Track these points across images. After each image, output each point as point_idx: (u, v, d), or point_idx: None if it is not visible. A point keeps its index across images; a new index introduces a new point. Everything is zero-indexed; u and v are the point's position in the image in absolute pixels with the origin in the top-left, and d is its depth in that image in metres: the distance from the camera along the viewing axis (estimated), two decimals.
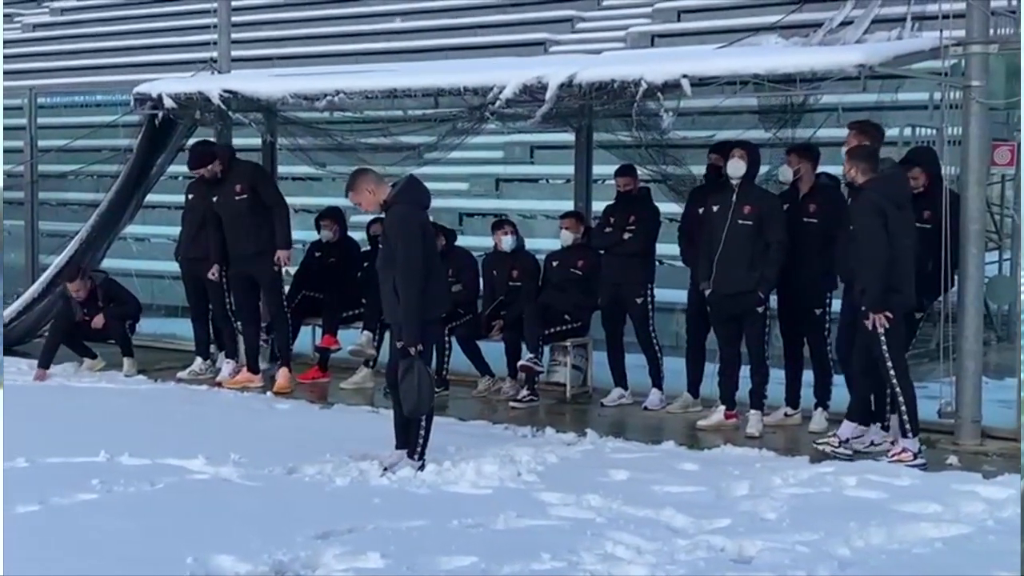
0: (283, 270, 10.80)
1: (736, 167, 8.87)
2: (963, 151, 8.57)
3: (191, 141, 11.89)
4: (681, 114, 9.10)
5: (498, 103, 9.32)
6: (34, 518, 6.51)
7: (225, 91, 10.73)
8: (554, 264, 10.51)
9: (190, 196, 11.08)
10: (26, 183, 13.75)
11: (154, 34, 24.72)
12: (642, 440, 8.73)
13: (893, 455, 8.06)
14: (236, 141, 12.05)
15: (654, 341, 10.02)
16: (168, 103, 11.02)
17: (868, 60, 8.10)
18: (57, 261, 12.43)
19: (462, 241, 11.22)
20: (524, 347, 10.08)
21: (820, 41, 9.21)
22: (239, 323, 10.94)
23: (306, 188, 16.44)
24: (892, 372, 7.99)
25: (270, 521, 6.48)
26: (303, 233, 13.38)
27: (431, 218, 8.14)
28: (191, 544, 5.93)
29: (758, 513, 6.77)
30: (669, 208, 10.85)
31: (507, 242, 10.55)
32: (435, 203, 8.39)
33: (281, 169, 12.90)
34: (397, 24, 22.40)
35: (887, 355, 7.98)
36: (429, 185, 7.99)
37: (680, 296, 10.48)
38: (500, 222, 10.94)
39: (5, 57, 23.66)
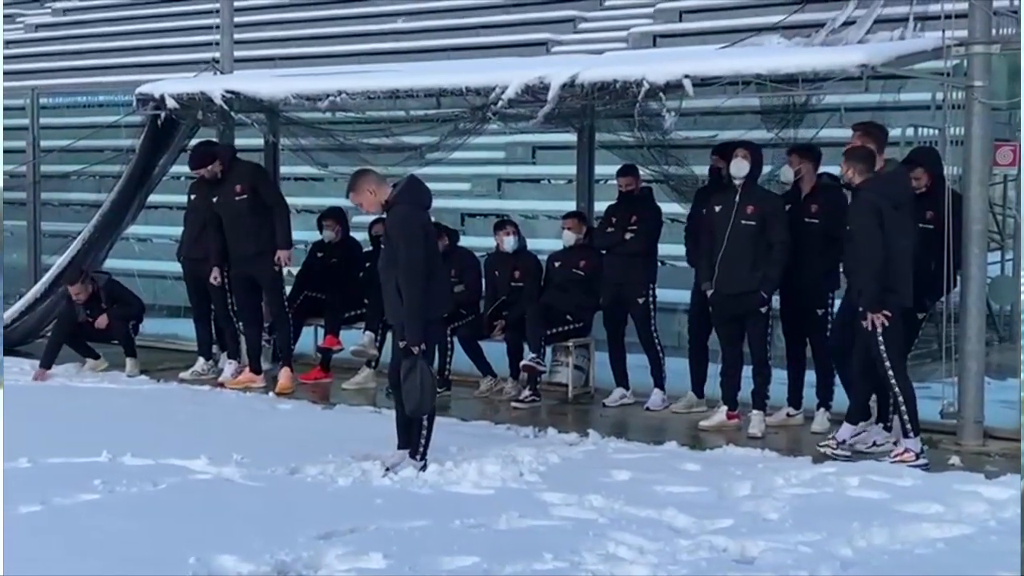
0: (284, 270, 10.81)
1: (739, 167, 8.87)
2: (965, 151, 8.56)
3: (193, 142, 11.89)
4: (683, 114, 9.10)
5: (500, 103, 9.32)
6: (36, 518, 6.52)
7: (227, 91, 10.74)
8: (556, 264, 10.51)
9: (192, 196, 11.09)
10: (28, 183, 13.77)
11: (156, 34, 24.72)
12: (644, 440, 8.73)
13: (895, 455, 8.06)
14: (238, 141, 12.05)
15: (656, 341, 10.02)
16: (170, 103, 11.03)
17: (870, 60, 8.10)
18: (59, 262, 12.44)
19: (464, 241, 11.22)
20: (526, 347, 10.09)
21: (822, 41, 9.21)
22: (241, 323, 10.94)
23: (308, 188, 16.44)
24: (890, 372, 8.00)
25: (272, 521, 6.48)
26: (305, 233, 13.38)
27: (433, 218, 8.14)
28: (193, 544, 5.94)
29: (760, 513, 6.77)
30: (671, 208, 10.85)
31: (509, 242, 10.55)
32: (437, 203, 8.39)
33: (283, 169, 12.91)
34: (399, 24, 22.41)
35: (884, 355, 7.99)
36: (431, 185, 7.99)
37: (682, 296, 10.47)
38: (502, 222, 10.94)
39: (7, 57, 23.71)
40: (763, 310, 8.97)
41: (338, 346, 11.04)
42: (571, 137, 11.98)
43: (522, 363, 10.09)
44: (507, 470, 7.61)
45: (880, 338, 7.97)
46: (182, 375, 11.17)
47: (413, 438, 7.67)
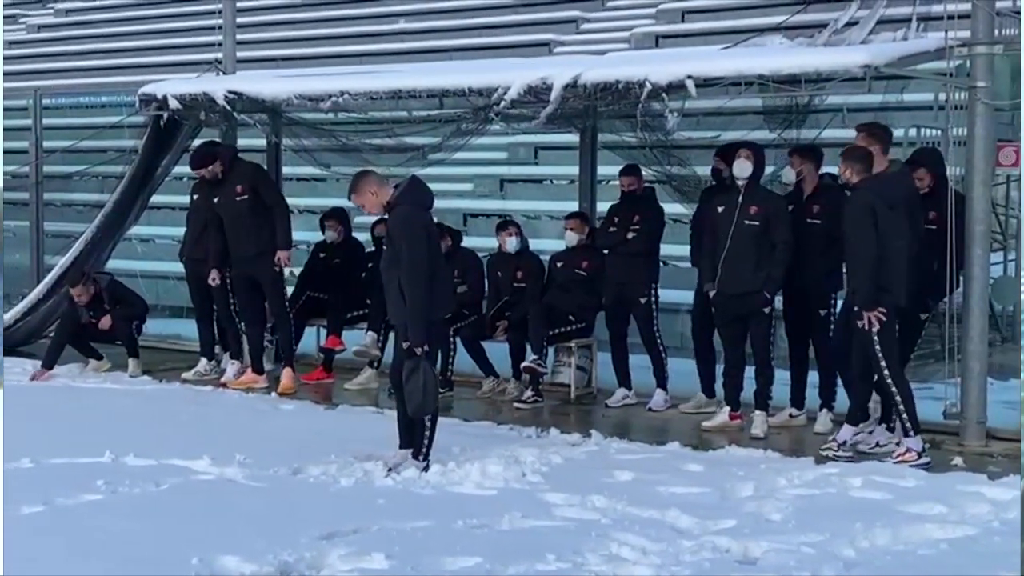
0: (286, 270, 10.81)
1: (742, 168, 8.87)
2: (968, 152, 8.55)
3: (196, 142, 11.89)
4: (686, 115, 9.11)
5: (502, 104, 9.32)
6: (39, 519, 6.52)
7: (230, 92, 10.74)
8: (558, 265, 10.51)
9: (195, 196, 11.09)
10: (31, 184, 13.77)
11: (159, 35, 24.74)
12: (647, 441, 8.72)
13: (897, 456, 8.06)
14: (241, 142, 12.06)
15: (658, 341, 10.02)
16: (173, 104, 11.03)
17: (873, 61, 8.10)
18: (62, 262, 12.44)
19: (466, 242, 11.22)
20: (528, 348, 10.08)
21: (825, 42, 9.20)
22: (243, 324, 10.95)
23: (310, 189, 16.45)
24: (886, 372, 8.00)
25: (275, 522, 6.48)
26: (307, 234, 13.39)
27: (435, 219, 8.14)
28: (196, 545, 5.94)
29: (763, 514, 6.77)
30: (673, 208, 10.85)
31: (511, 243, 10.56)
32: (439, 204, 8.39)
33: (286, 170, 12.91)
34: (401, 25, 22.42)
35: (880, 355, 8.00)
36: (433, 186, 7.99)
37: (684, 297, 10.46)
38: (505, 223, 10.94)
39: (10, 58, 23.74)
40: (766, 310, 8.97)
41: (340, 346, 11.04)
42: (573, 138, 11.98)
43: (523, 365, 10.09)
44: (510, 470, 7.61)
45: (876, 338, 7.97)
46: (184, 375, 11.17)
47: (416, 439, 7.67)
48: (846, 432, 8.29)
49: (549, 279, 10.54)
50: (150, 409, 9.84)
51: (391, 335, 9.36)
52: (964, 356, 8.60)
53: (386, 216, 7.83)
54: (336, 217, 11.46)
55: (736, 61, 8.68)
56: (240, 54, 12.85)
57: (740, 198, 8.91)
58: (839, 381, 8.96)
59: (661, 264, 10.31)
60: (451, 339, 10.29)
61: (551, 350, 10.34)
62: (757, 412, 9.03)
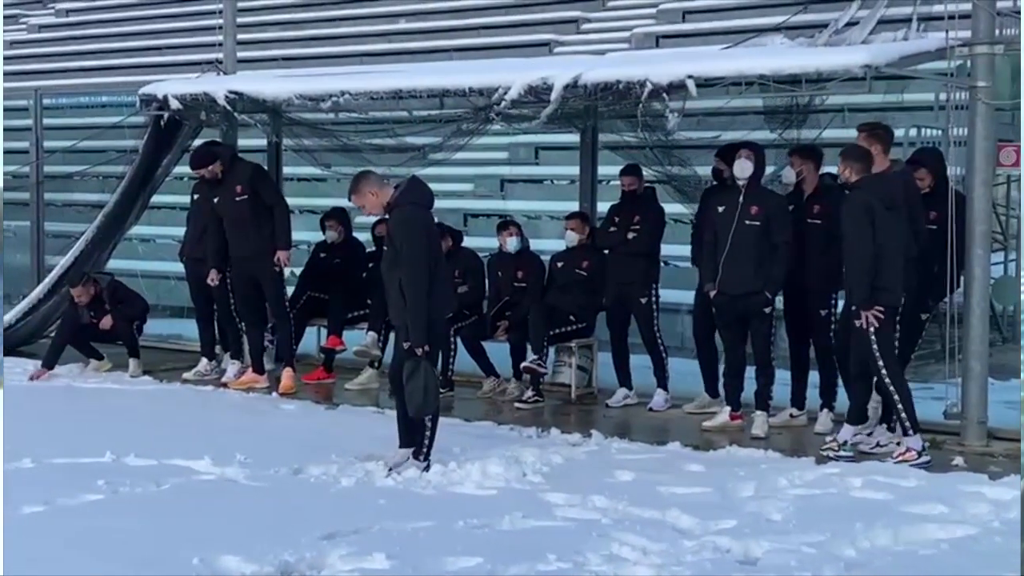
0: (286, 270, 10.80)
1: (743, 168, 8.86)
2: (969, 152, 8.55)
3: (197, 142, 11.89)
4: (686, 115, 9.10)
5: (503, 104, 9.32)
6: (40, 518, 6.52)
7: (230, 92, 10.74)
8: (559, 265, 10.50)
9: (196, 196, 11.09)
10: (32, 184, 13.79)
11: (159, 35, 24.77)
12: (647, 441, 8.72)
13: (898, 455, 8.07)
14: (242, 142, 12.06)
15: (659, 341, 10.02)
16: (174, 104, 11.03)
17: (874, 61, 8.10)
18: (63, 262, 12.44)
19: (467, 242, 11.22)
20: (529, 348, 10.08)
21: (826, 42, 9.20)
22: (243, 324, 10.95)
23: (311, 189, 16.46)
24: (884, 372, 8.00)
25: (276, 522, 6.48)
26: (308, 234, 13.39)
27: (436, 219, 8.14)
28: (197, 545, 5.94)
29: (764, 514, 6.77)
30: (674, 208, 10.85)
31: (512, 243, 10.56)
32: (440, 204, 8.38)
33: (286, 170, 12.91)
34: (402, 25, 22.43)
35: (877, 354, 8.00)
36: (433, 186, 7.99)
37: (685, 297, 10.45)
38: (505, 223, 10.94)
39: (11, 58, 23.74)
40: (767, 311, 8.97)
41: (341, 346, 11.03)
42: (574, 138, 11.98)
43: (523, 365, 10.08)
44: (510, 471, 7.61)
45: (873, 338, 7.98)
46: (185, 376, 11.17)
47: (416, 439, 7.66)
48: (846, 432, 8.29)
49: (550, 279, 10.54)
50: (151, 409, 9.85)
51: (392, 335, 9.35)
52: (965, 356, 8.60)
53: (386, 216, 7.83)
54: (337, 217, 11.45)
55: (737, 61, 8.68)
56: (241, 54, 12.86)
57: (741, 198, 8.90)
58: (840, 381, 8.96)
59: (662, 264, 10.30)
60: (452, 339, 10.29)
61: (552, 350, 10.34)
62: (758, 412, 9.03)
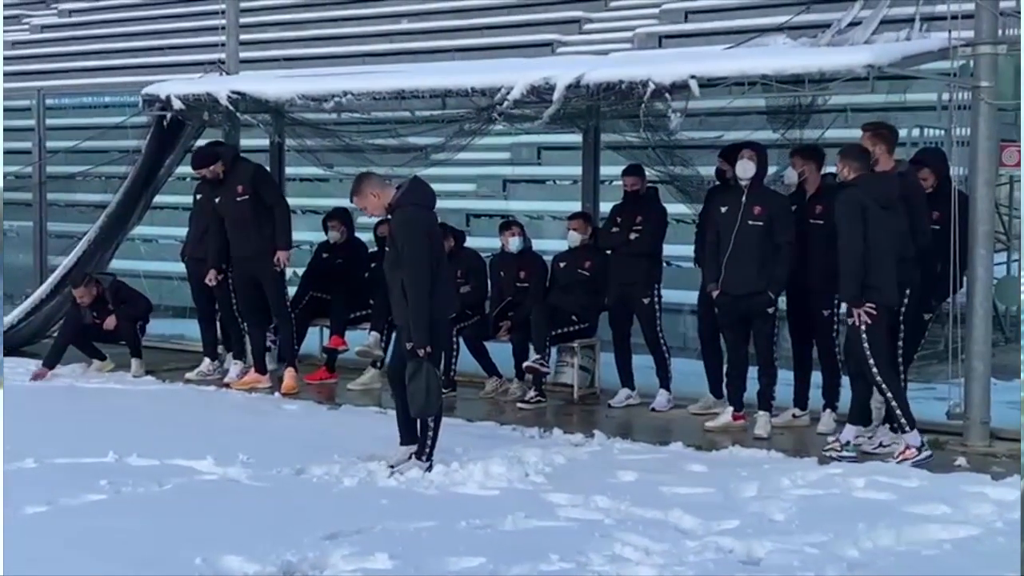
0: (287, 270, 10.80)
1: (745, 168, 8.86)
2: (972, 152, 8.55)
3: (199, 142, 11.90)
4: (689, 115, 9.08)
5: (505, 104, 9.32)
6: (42, 518, 6.52)
7: (233, 92, 10.74)
8: (561, 265, 10.50)
9: (198, 196, 11.09)
10: (34, 184, 13.79)
11: (162, 35, 24.78)
12: (650, 441, 8.72)
13: (898, 455, 8.06)
14: (244, 142, 12.07)
15: (661, 342, 10.01)
16: (176, 104, 11.04)
17: (877, 61, 8.09)
18: (65, 262, 12.45)
19: (469, 242, 11.22)
20: (531, 348, 10.08)
21: (828, 42, 9.19)
22: (246, 324, 10.95)
23: (314, 189, 16.46)
24: (875, 370, 8.00)
25: (278, 522, 6.48)
26: (311, 234, 13.39)
27: (438, 219, 8.14)
28: (199, 545, 5.94)
29: (767, 514, 6.76)
30: (677, 209, 10.84)
31: (514, 243, 10.55)
32: (442, 204, 8.38)
33: (289, 170, 12.92)
34: (404, 25, 22.43)
35: (868, 353, 7.99)
36: (436, 186, 7.99)
37: (687, 297, 10.44)
38: (507, 223, 10.94)
39: (13, 59, 23.76)
40: (770, 311, 8.96)
41: (343, 347, 11.04)
42: (576, 138, 11.97)
43: (525, 365, 10.08)
44: (513, 471, 7.60)
45: (864, 335, 7.97)
46: (188, 376, 11.18)
47: (419, 439, 7.66)
48: (849, 432, 8.29)
49: (552, 279, 10.54)
50: (153, 409, 9.85)
51: (394, 335, 9.35)
52: (968, 356, 8.59)
53: (389, 217, 7.83)
54: (339, 217, 11.46)
55: (739, 61, 8.68)
56: (243, 54, 12.87)
57: (744, 198, 8.90)
58: (842, 381, 8.95)
59: (664, 264, 10.30)
60: (454, 339, 10.29)
61: (554, 350, 10.33)
62: (760, 412, 9.02)
